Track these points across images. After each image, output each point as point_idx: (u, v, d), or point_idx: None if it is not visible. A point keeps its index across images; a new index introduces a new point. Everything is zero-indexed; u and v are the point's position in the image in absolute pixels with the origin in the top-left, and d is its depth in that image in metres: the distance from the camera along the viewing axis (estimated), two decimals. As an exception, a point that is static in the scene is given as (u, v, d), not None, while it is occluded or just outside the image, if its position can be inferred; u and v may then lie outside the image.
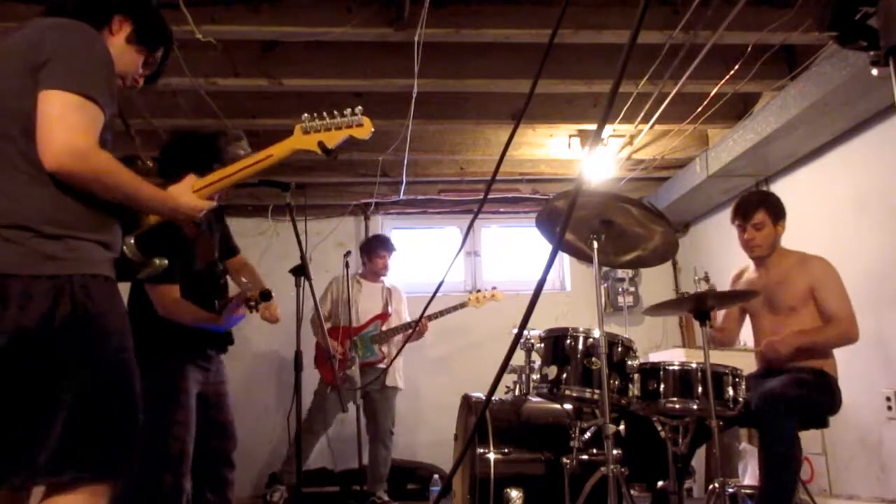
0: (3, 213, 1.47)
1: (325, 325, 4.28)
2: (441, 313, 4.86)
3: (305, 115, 1.89)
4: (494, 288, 5.01)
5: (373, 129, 1.92)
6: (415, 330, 4.44)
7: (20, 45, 1.56)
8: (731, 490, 2.64)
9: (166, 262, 1.90)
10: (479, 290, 4.97)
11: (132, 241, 1.82)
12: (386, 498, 4.62)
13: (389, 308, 4.90)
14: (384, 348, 4.72)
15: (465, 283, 6.18)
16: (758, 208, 3.22)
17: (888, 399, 3.77)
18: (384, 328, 4.77)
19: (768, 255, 3.25)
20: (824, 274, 3.13)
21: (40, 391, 1.43)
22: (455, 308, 4.79)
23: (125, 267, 1.79)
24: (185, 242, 2.78)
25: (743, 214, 3.25)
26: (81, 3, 1.69)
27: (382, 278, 4.99)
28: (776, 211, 3.24)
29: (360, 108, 1.88)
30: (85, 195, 1.54)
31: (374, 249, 4.93)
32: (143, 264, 1.86)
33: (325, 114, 1.89)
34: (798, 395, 2.89)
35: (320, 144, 1.87)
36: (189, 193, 1.77)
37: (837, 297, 3.09)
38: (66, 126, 1.47)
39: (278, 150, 1.87)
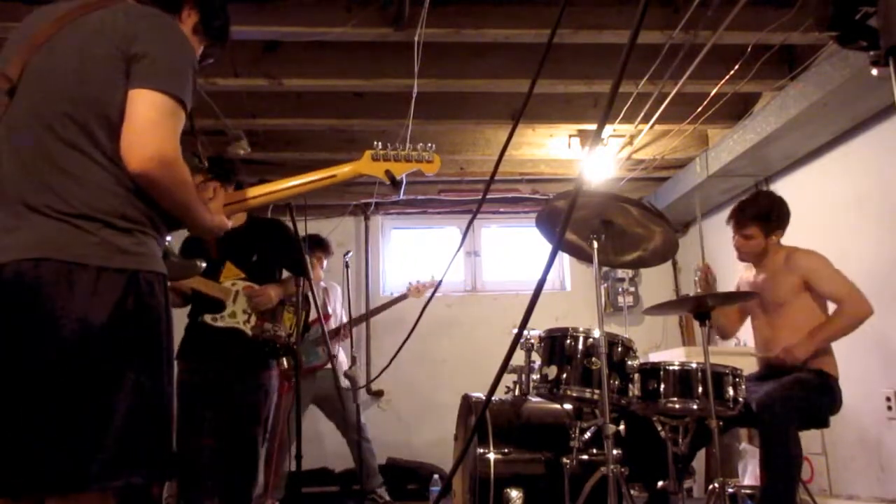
0: (76, 202, 1.43)
1: None
2: (381, 308, 4.89)
3: (378, 142, 1.92)
4: (433, 277, 5.10)
5: (440, 167, 1.96)
6: (347, 329, 4.48)
7: (108, 30, 1.50)
8: (731, 490, 2.64)
9: (205, 264, 1.89)
10: (418, 281, 4.99)
11: (170, 239, 1.81)
12: (386, 497, 4.62)
13: (329, 308, 4.82)
14: (322, 350, 4.61)
15: (465, 283, 6.19)
16: (751, 223, 3.20)
17: (888, 399, 3.77)
18: (327, 328, 4.65)
19: (761, 259, 3.25)
20: (813, 263, 3.11)
21: (103, 386, 1.39)
22: (396, 300, 4.85)
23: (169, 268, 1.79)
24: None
25: (736, 222, 3.25)
26: None
27: (320, 280, 4.86)
28: (771, 224, 3.20)
29: (432, 145, 1.93)
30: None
31: (311, 251, 4.71)
32: (182, 265, 1.85)
33: (398, 145, 1.92)
34: (799, 395, 2.89)
35: (388, 173, 1.90)
36: (220, 213, 1.74)
37: (834, 280, 3.06)
38: (160, 132, 1.44)
39: (343, 173, 1.89)
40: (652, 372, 2.74)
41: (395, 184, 1.91)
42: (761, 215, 3.20)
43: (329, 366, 4.51)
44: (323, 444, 5.25)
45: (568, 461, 2.75)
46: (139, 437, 1.42)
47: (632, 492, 2.64)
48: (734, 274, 3.56)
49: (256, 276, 3.17)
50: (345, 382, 4.27)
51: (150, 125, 1.43)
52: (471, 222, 6.05)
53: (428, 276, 5.09)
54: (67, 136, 1.45)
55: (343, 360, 4.72)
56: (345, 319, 4.84)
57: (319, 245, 4.77)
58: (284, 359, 3.11)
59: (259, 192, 1.84)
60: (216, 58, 1.87)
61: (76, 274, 1.39)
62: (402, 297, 4.89)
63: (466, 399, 3.39)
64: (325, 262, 4.80)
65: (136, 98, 1.44)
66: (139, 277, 1.46)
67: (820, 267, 3.10)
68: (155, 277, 1.50)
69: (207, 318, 3.08)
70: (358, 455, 4.55)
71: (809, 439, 4.06)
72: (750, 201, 3.30)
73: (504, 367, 1.25)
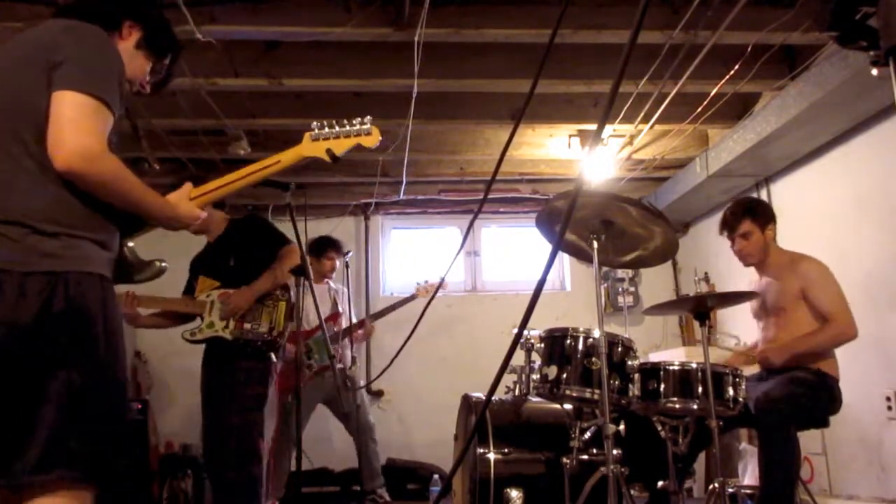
0: (3, 209, 1.48)
1: None
2: (389, 310, 4.89)
3: (315, 122, 1.92)
4: (442, 279, 5.06)
5: (381, 138, 1.95)
6: (360, 328, 4.55)
7: (34, 44, 1.58)
8: (731, 490, 2.64)
9: (166, 265, 1.90)
10: (426, 282, 4.98)
11: (132, 244, 1.83)
12: (387, 497, 4.62)
13: (339, 308, 4.82)
14: (338, 349, 4.60)
15: (465, 283, 6.19)
16: (742, 218, 3.21)
17: (888, 399, 3.77)
18: (336, 329, 4.68)
19: (764, 260, 3.25)
20: (814, 274, 3.11)
21: (31, 386, 1.43)
22: (404, 302, 4.83)
23: (124, 270, 1.80)
24: None
25: (728, 227, 3.26)
26: (93, 8, 1.71)
27: (328, 281, 4.88)
28: (761, 217, 3.22)
29: (368, 117, 1.92)
30: (87, 195, 1.55)
31: (325, 250, 4.79)
32: (142, 267, 1.86)
33: (334, 122, 1.92)
34: (796, 394, 2.89)
35: (328, 152, 1.90)
36: (187, 202, 1.78)
37: (830, 295, 3.06)
38: (79, 128, 1.48)
39: (286, 157, 1.90)
40: (652, 372, 2.74)
41: (336, 160, 1.91)
42: (748, 210, 3.24)
43: (340, 365, 4.53)
44: (332, 444, 5.29)
45: (568, 461, 2.75)
46: (71, 435, 1.45)
47: (632, 492, 2.64)
48: (734, 275, 3.56)
49: (236, 280, 3.21)
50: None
51: (70, 123, 1.48)
52: (472, 222, 6.07)
53: (435, 276, 5.10)
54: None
55: (349, 358, 4.75)
56: (355, 320, 4.86)
57: (332, 245, 4.82)
58: (272, 354, 3.15)
59: (216, 185, 1.87)
60: (173, 72, 1.91)
61: (4, 281, 1.43)
62: (412, 298, 4.88)
63: (466, 399, 3.39)
64: (337, 263, 4.84)
65: (57, 100, 1.50)
66: (68, 279, 1.48)
67: (819, 278, 3.10)
68: (87, 278, 1.52)
69: (186, 335, 3.22)
70: (364, 455, 4.56)
71: (809, 439, 4.06)
72: (731, 207, 3.33)
73: (504, 367, 1.25)
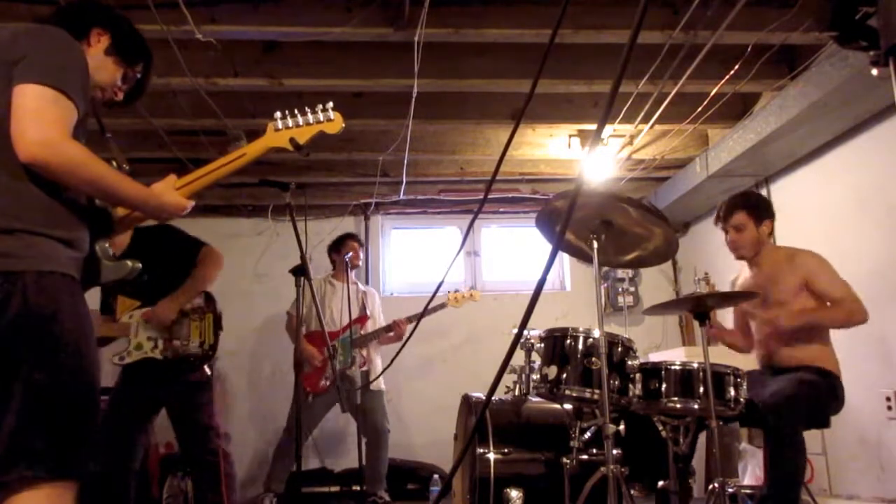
0: None
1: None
2: (421, 315, 4.83)
3: (277, 113, 1.93)
4: (472, 288, 5.05)
5: (343, 125, 1.95)
6: (389, 331, 4.52)
7: None
8: (731, 490, 2.64)
9: (140, 265, 1.88)
10: (457, 290, 4.91)
11: (107, 244, 1.81)
12: (387, 498, 4.62)
13: (367, 310, 4.82)
14: (364, 352, 4.63)
15: (465, 283, 6.18)
16: (736, 210, 3.24)
17: (888, 399, 3.77)
18: (363, 332, 4.69)
19: (757, 255, 3.26)
20: (815, 265, 3.12)
21: None
22: (435, 309, 4.70)
23: (92, 269, 1.76)
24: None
25: (722, 217, 3.28)
26: (60, 15, 1.75)
27: (356, 282, 4.88)
28: (757, 211, 3.24)
29: (330, 103, 1.93)
30: (53, 191, 1.54)
31: (343, 241, 4.83)
32: (115, 267, 1.84)
33: (296, 111, 1.93)
34: (806, 396, 2.89)
35: (292, 141, 1.91)
36: (172, 191, 1.78)
37: (834, 282, 3.08)
38: (39, 118, 1.49)
39: (252, 149, 1.90)
40: (652, 372, 2.74)
41: (299, 149, 1.92)
42: (745, 203, 3.27)
43: (365, 368, 4.54)
44: (345, 444, 5.35)
45: (568, 461, 2.75)
46: (34, 434, 1.45)
47: (632, 492, 2.64)
48: (734, 275, 3.56)
49: (155, 295, 3.18)
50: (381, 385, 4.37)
51: (29, 114, 1.49)
52: (472, 222, 6.07)
53: (467, 286, 5.06)
54: None
55: (378, 363, 4.77)
56: (383, 322, 4.86)
57: (349, 236, 4.89)
58: (206, 367, 3.16)
59: (198, 174, 1.86)
60: (146, 81, 1.92)
61: None
62: (441, 307, 4.77)
63: (466, 399, 3.39)
64: (360, 252, 4.86)
65: (17, 93, 1.51)
66: (26, 280, 1.47)
67: (820, 268, 3.11)
68: (47, 277, 1.51)
69: (115, 359, 3.17)
70: (372, 459, 4.54)
71: (809, 439, 4.03)
72: (729, 198, 3.37)
73: (504, 367, 1.25)
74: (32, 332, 1.47)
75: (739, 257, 3.33)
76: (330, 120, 1.92)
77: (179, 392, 3.23)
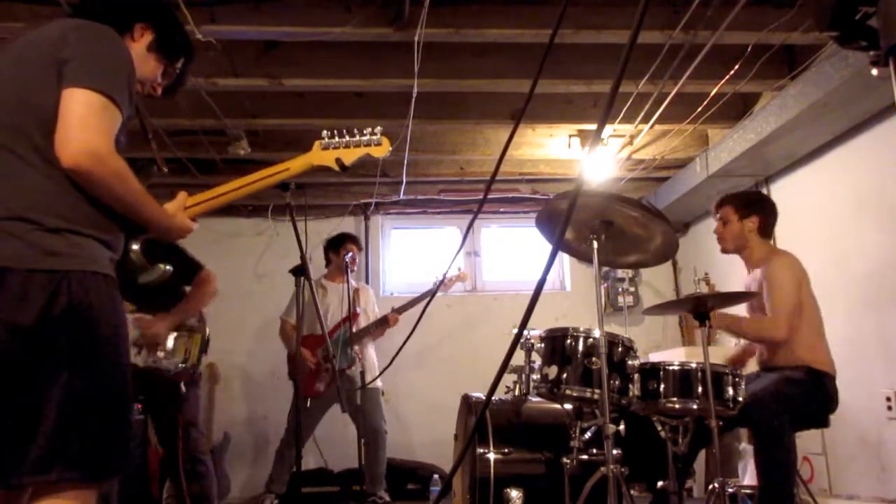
0: (9, 205, 1.47)
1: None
2: (412, 304, 4.82)
3: (325, 131, 1.93)
4: (460, 269, 5.08)
5: (390, 150, 1.97)
6: (382, 325, 4.55)
7: (43, 42, 1.57)
8: (731, 490, 2.64)
9: (170, 268, 1.89)
10: (444, 275, 4.91)
11: (137, 246, 1.82)
12: (387, 498, 4.62)
13: (357, 308, 4.77)
14: (357, 349, 4.59)
15: (465, 283, 6.18)
16: (724, 203, 3.31)
17: (888, 399, 3.77)
18: (354, 329, 4.63)
19: (742, 252, 3.30)
20: (770, 272, 3.14)
21: (33, 387, 1.43)
22: (424, 296, 4.71)
23: (128, 272, 1.77)
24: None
25: (714, 210, 3.36)
26: (105, 9, 1.71)
27: (350, 280, 4.89)
28: (743, 208, 3.26)
29: (379, 127, 1.94)
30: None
31: (344, 242, 4.79)
32: (146, 269, 1.85)
33: (344, 131, 1.93)
34: (786, 394, 2.89)
35: (338, 161, 1.92)
36: (182, 213, 1.78)
37: (776, 294, 3.07)
38: (87, 126, 1.47)
39: (296, 165, 1.90)
40: (652, 372, 2.74)
41: (345, 169, 1.94)
42: (734, 198, 3.33)
43: (362, 369, 4.51)
44: (345, 444, 5.28)
45: (568, 461, 2.75)
46: (72, 437, 1.44)
47: (632, 492, 2.64)
48: (734, 275, 3.56)
49: (151, 303, 3.14)
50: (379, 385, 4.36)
51: (79, 121, 1.47)
52: (472, 222, 6.07)
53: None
54: (3, 141, 1.50)
55: (373, 357, 4.77)
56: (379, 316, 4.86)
57: (350, 238, 4.86)
58: (182, 385, 3.18)
59: (220, 192, 1.86)
60: (185, 75, 1.91)
61: (4, 278, 1.43)
62: (432, 294, 4.77)
63: (466, 399, 3.39)
64: (357, 257, 4.80)
65: (67, 97, 1.49)
66: (70, 279, 1.47)
67: (773, 278, 3.11)
68: (91, 278, 1.51)
69: None
70: (371, 459, 4.54)
71: (809, 439, 4.06)
72: (726, 193, 3.45)
73: (504, 367, 1.25)
74: (77, 331, 1.47)
75: (724, 251, 3.36)
76: (378, 144, 1.93)
77: (155, 394, 3.23)
